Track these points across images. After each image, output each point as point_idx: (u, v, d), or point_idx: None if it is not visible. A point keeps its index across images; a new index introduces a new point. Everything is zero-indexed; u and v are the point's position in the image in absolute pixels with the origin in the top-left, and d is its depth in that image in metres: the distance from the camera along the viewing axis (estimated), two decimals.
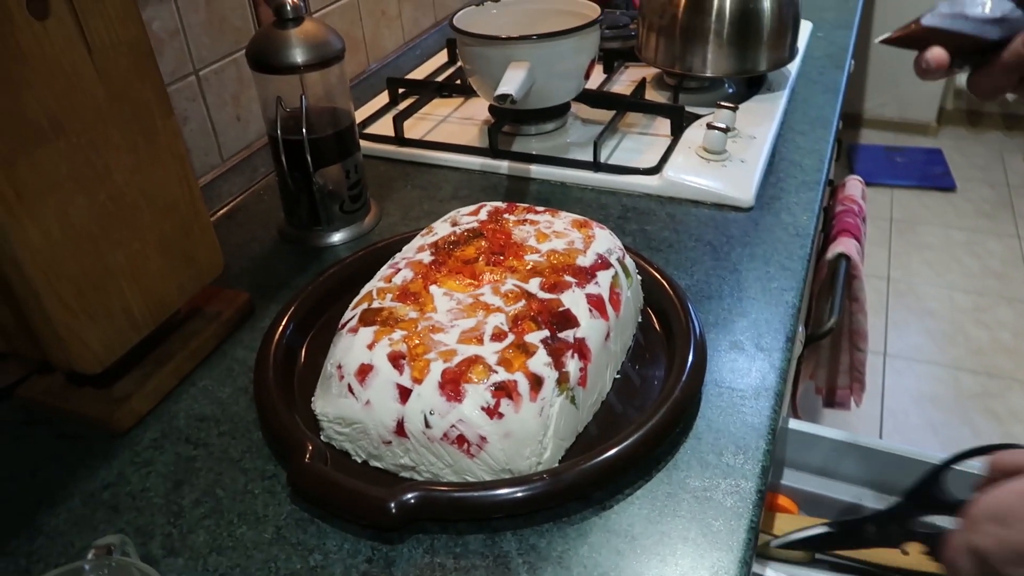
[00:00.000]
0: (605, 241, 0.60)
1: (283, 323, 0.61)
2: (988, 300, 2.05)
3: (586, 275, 0.56)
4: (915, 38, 0.50)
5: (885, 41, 0.52)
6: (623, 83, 1.04)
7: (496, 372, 0.49)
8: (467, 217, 0.64)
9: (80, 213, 0.50)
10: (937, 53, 0.49)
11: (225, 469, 0.52)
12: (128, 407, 0.55)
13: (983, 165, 2.70)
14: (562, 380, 0.50)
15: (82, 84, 0.49)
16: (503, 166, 0.86)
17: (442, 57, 1.17)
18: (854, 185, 1.18)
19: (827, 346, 1.23)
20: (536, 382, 0.49)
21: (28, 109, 0.46)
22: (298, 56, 0.67)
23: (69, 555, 0.47)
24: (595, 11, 0.87)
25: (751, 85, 0.99)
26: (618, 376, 0.58)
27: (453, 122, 0.97)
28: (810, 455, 1.08)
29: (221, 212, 0.82)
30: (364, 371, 0.51)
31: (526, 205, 0.65)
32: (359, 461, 0.52)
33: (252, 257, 0.75)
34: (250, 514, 0.49)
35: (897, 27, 0.52)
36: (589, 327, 0.53)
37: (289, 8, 0.67)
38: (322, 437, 0.53)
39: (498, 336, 0.51)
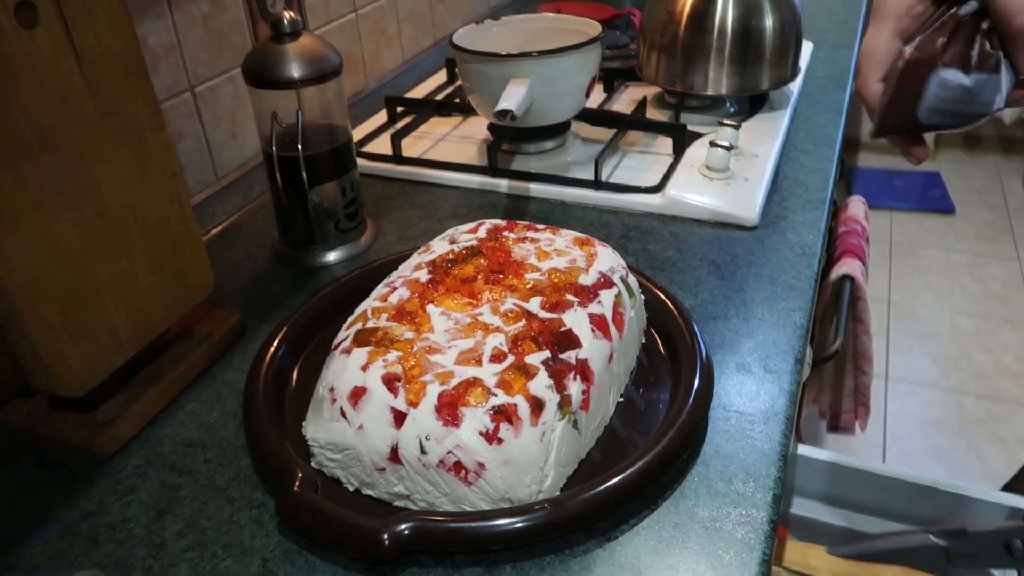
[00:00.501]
0: (608, 259, 0.59)
1: (274, 344, 0.59)
2: (991, 324, 2.04)
3: (588, 294, 0.55)
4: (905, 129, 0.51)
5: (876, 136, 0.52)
6: (623, 102, 1.03)
7: (495, 395, 0.47)
8: (466, 235, 0.62)
9: (65, 229, 0.48)
10: (922, 152, 0.52)
11: (211, 498, 0.50)
12: (111, 432, 0.53)
13: (981, 188, 2.69)
14: (564, 403, 0.48)
15: (71, 95, 0.47)
16: (502, 184, 0.85)
17: (441, 76, 1.16)
18: (857, 205, 1.17)
19: (831, 369, 1.21)
20: (537, 406, 0.47)
21: (14, 121, 0.44)
22: (294, 71, 0.66)
23: None
24: (596, 29, 0.86)
25: (753, 104, 0.98)
26: (621, 399, 0.55)
27: (452, 140, 0.96)
28: (810, 480, 1.06)
29: (215, 231, 0.80)
30: (357, 394, 0.49)
31: (526, 223, 0.63)
32: (351, 489, 0.50)
33: (245, 277, 0.73)
34: (235, 546, 0.47)
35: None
36: (592, 348, 0.51)
37: (286, 23, 0.66)
38: (313, 463, 0.51)
39: (497, 357, 0.49)
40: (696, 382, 0.53)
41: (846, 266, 1.04)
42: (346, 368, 0.50)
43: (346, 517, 0.45)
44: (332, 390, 0.50)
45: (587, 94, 0.88)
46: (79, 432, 0.53)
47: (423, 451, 0.46)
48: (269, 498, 0.50)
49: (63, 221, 0.48)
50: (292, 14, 0.67)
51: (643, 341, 0.60)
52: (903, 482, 1.00)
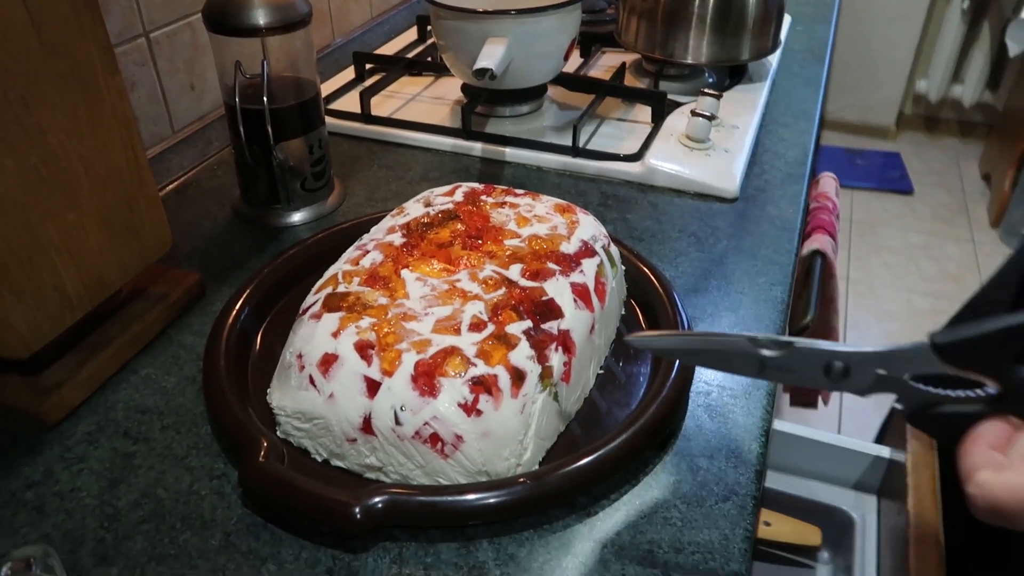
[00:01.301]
0: (590, 227, 0.57)
1: (237, 306, 0.56)
2: (945, 304, 2.08)
3: (570, 263, 0.52)
4: None
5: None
6: (601, 68, 1.01)
7: (475, 365, 0.45)
8: (442, 198, 0.59)
9: (7, 178, 0.44)
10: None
11: (168, 467, 0.47)
12: (58, 397, 0.50)
13: (940, 170, 2.74)
14: (545, 375, 0.46)
15: (12, 32, 0.43)
16: (476, 148, 0.82)
17: (411, 35, 1.12)
18: (828, 182, 1.17)
19: None
20: (518, 377, 0.45)
21: None
22: (260, 17, 0.62)
23: None
24: None
25: (731, 75, 0.96)
26: (601, 371, 0.54)
27: (423, 101, 0.92)
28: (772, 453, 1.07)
29: (171, 187, 0.76)
30: (328, 361, 0.46)
31: (504, 187, 0.61)
32: (319, 460, 0.47)
33: (203, 236, 0.69)
34: (195, 518, 0.44)
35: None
36: (574, 318, 0.49)
37: None
38: (278, 433, 0.48)
39: (476, 326, 0.47)
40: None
41: (817, 242, 1.04)
42: (316, 334, 0.48)
43: (315, 489, 0.42)
44: (300, 357, 0.47)
45: (566, 57, 0.85)
46: (22, 396, 0.50)
47: (398, 422, 0.44)
48: (231, 468, 0.47)
49: (4, 169, 0.44)
50: None
51: (623, 312, 0.59)
52: (854, 452, 1.01)
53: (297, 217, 0.71)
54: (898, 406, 0.34)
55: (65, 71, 0.47)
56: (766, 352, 0.36)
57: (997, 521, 0.27)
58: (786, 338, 0.36)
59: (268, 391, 0.51)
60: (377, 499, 0.41)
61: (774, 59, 1.00)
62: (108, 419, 0.50)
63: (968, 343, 0.31)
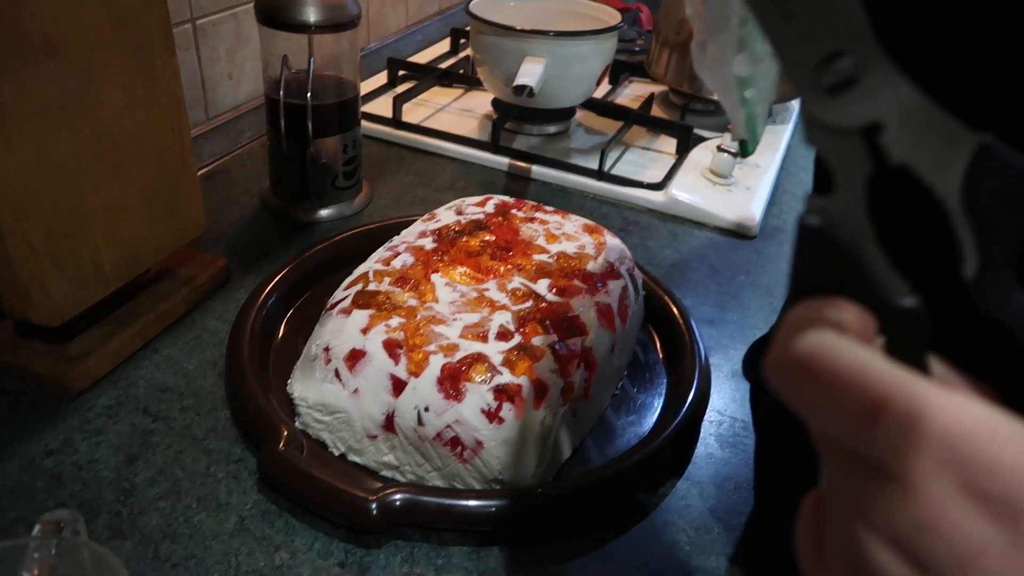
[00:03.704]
0: (616, 250, 0.58)
1: (264, 294, 0.56)
2: None
3: (596, 283, 0.53)
4: None
5: None
6: (628, 96, 1.02)
7: (500, 373, 0.45)
8: (473, 207, 0.60)
9: (61, 146, 0.45)
10: None
11: (186, 447, 0.48)
12: (83, 367, 0.50)
13: None
14: (567, 390, 0.47)
15: (83, 4, 0.44)
16: (503, 162, 0.83)
17: (443, 46, 1.14)
18: None
19: None
20: (541, 389, 0.46)
21: (20, 21, 0.41)
22: (311, 15, 0.63)
23: (0, 525, 0.42)
24: (615, 17, 0.85)
25: None
26: (617, 392, 0.55)
27: (452, 112, 0.94)
28: None
29: (201, 172, 0.77)
30: (355, 357, 0.47)
31: (534, 203, 0.62)
32: (336, 454, 0.48)
33: (231, 223, 0.70)
34: (211, 500, 0.45)
35: None
36: (597, 337, 0.50)
37: None
38: (297, 423, 0.49)
39: (504, 335, 0.48)
40: (695, 383, 0.52)
41: None
42: (344, 329, 0.48)
43: (334, 481, 0.43)
44: (327, 350, 0.48)
45: (598, 83, 0.86)
46: (48, 363, 0.50)
47: (420, 422, 0.44)
48: (248, 454, 0.47)
49: (60, 138, 0.45)
50: None
51: (640, 336, 0.60)
52: None
53: (324, 213, 0.72)
54: None
55: (128, 47, 0.48)
56: None
57: None
58: None
59: (289, 381, 0.51)
60: (396, 497, 0.42)
61: (798, 102, 1.02)
62: (129, 395, 0.51)
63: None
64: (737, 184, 0.80)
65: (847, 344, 0.19)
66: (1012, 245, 0.19)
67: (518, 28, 0.79)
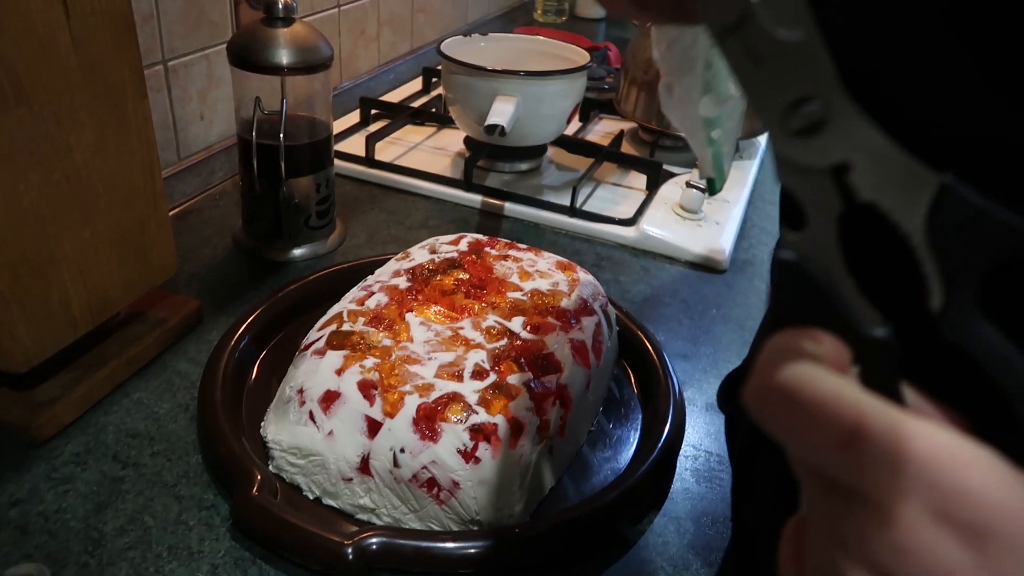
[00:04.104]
0: (589, 287, 0.58)
1: (237, 335, 0.56)
2: None
3: (570, 319, 0.54)
4: None
5: None
6: (598, 133, 1.04)
7: (476, 413, 0.45)
8: (447, 246, 0.61)
9: (30, 191, 0.44)
10: None
11: (157, 494, 0.47)
12: (51, 414, 0.49)
13: None
14: (543, 428, 0.47)
15: (55, 51, 0.44)
16: (476, 200, 0.84)
17: (415, 85, 1.15)
18: None
19: None
20: (517, 427, 0.46)
21: None
22: (283, 57, 0.64)
23: None
24: (584, 57, 0.87)
25: None
26: (593, 429, 0.55)
27: (425, 150, 0.95)
28: None
29: (173, 213, 0.76)
30: (330, 398, 0.46)
31: (507, 241, 0.62)
32: (311, 498, 0.47)
33: (202, 263, 0.69)
34: (182, 548, 0.44)
35: None
36: (572, 374, 0.51)
37: (280, 6, 0.64)
38: (271, 467, 0.48)
39: (479, 374, 0.48)
40: (669, 418, 0.53)
41: None
42: (319, 370, 0.48)
43: (309, 526, 0.42)
44: (302, 392, 0.48)
45: (568, 120, 0.88)
46: (13, 410, 0.49)
47: (396, 464, 0.44)
48: (221, 499, 0.47)
49: (28, 183, 0.44)
50: None
51: (615, 372, 0.60)
52: None
53: (297, 253, 0.71)
54: None
55: (99, 92, 0.48)
56: None
57: None
58: None
59: (262, 424, 0.51)
60: (373, 541, 0.41)
61: (764, 138, 1.04)
62: (98, 441, 0.50)
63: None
64: (707, 219, 0.81)
65: (822, 373, 0.20)
66: (974, 279, 0.20)
67: (489, 68, 0.80)
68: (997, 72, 0.22)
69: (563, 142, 0.93)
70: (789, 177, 0.21)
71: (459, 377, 0.47)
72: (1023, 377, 0.19)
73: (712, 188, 0.65)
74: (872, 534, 0.18)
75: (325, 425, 0.46)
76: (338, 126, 0.96)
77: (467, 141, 0.93)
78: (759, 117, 0.21)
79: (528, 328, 0.52)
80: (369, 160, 0.87)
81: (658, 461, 0.49)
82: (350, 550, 0.41)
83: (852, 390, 0.19)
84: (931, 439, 0.18)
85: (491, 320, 0.53)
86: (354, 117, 1.00)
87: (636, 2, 0.34)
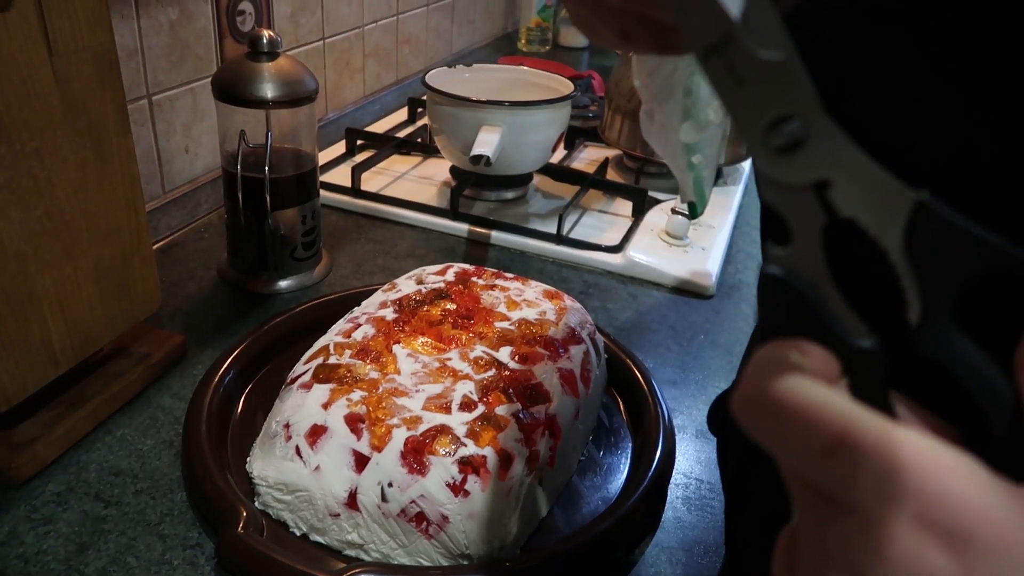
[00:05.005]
0: (576, 315, 0.58)
1: (222, 370, 0.55)
2: None
3: (558, 349, 0.54)
4: None
5: None
6: (583, 161, 1.05)
7: (464, 445, 0.45)
8: (433, 276, 0.61)
9: (11, 228, 0.44)
10: None
11: (140, 534, 0.46)
12: (31, 453, 0.48)
13: None
14: (532, 459, 0.47)
15: (36, 88, 0.44)
16: (463, 229, 0.84)
17: (401, 115, 1.16)
18: None
19: None
20: (506, 459, 0.45)
21: None
22: (268, 91, 0.64)
23: None
24: (568, 87, 0.88)
25: None
26: (583, 458, 0.54)
27: (411, 180, 0.95)
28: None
29: (157, 246, 0.76)
30: (316, 433, 0.46)
31: (494, 270, 0.62)
32: (298, 534, 0.46)
33: (187, 297, 0.69)
34: None
35: None
36: (561, 404, 0.50)
37: (265, 41, 0.64)
38: (257, 504, 0.48)
39: (467, 406, 0.47)
40: (659, 447, 0.53)
41: None
42: (305, 404, 0.47)
43: (296, 563, 0.41)
44: (288, 426, 0.47)
45: (553, 149, 0.88)
46: None
47: (384, 498, 0.44)
48: (206, 538, 0.46)
49: (9, 220, 0.44)
50: (272, 33, 0.65)
51: (604, 400, 0.60)
52: None
53: (283, 285, 0.71)
54: None
55: (81, 128, 0.47)
56: None
57: None
58: None
59: (248, 460, 0.50)
60: None
61: (747, 164, 1.06)
62: (80, 480, 0.49)
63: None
64: (693, 245, 0.82)
65: (809, 383, 0.20)
66: (951, 294, 0.20)
67: (474, 99, 0.80)
68: (965, 89, 0.23)
69: (549, 170, 0.93)
70: (772, 194, 0.22)
71: (447, 409, 0.47)
72: (999, 391, 0.20)
73: (693, 212, 0.66)
74: (856, 541, 0.18)
75: (312, 460, 0.45)
76: (324, 157, 0.96)
77: (453, 170, 0.93)
78: (741, 135, 0.22)
79: (516, 358, 0.52)
80: (355, 190, 0.87)
81: (649, 490, 0.49)
82: None
83: (837, 399, 0.20)
84: (914, 446, 0.18)
85: (479, 351, 0.52)
86: (340, 148, 1.00)
87: (621, 33, 0.35)
